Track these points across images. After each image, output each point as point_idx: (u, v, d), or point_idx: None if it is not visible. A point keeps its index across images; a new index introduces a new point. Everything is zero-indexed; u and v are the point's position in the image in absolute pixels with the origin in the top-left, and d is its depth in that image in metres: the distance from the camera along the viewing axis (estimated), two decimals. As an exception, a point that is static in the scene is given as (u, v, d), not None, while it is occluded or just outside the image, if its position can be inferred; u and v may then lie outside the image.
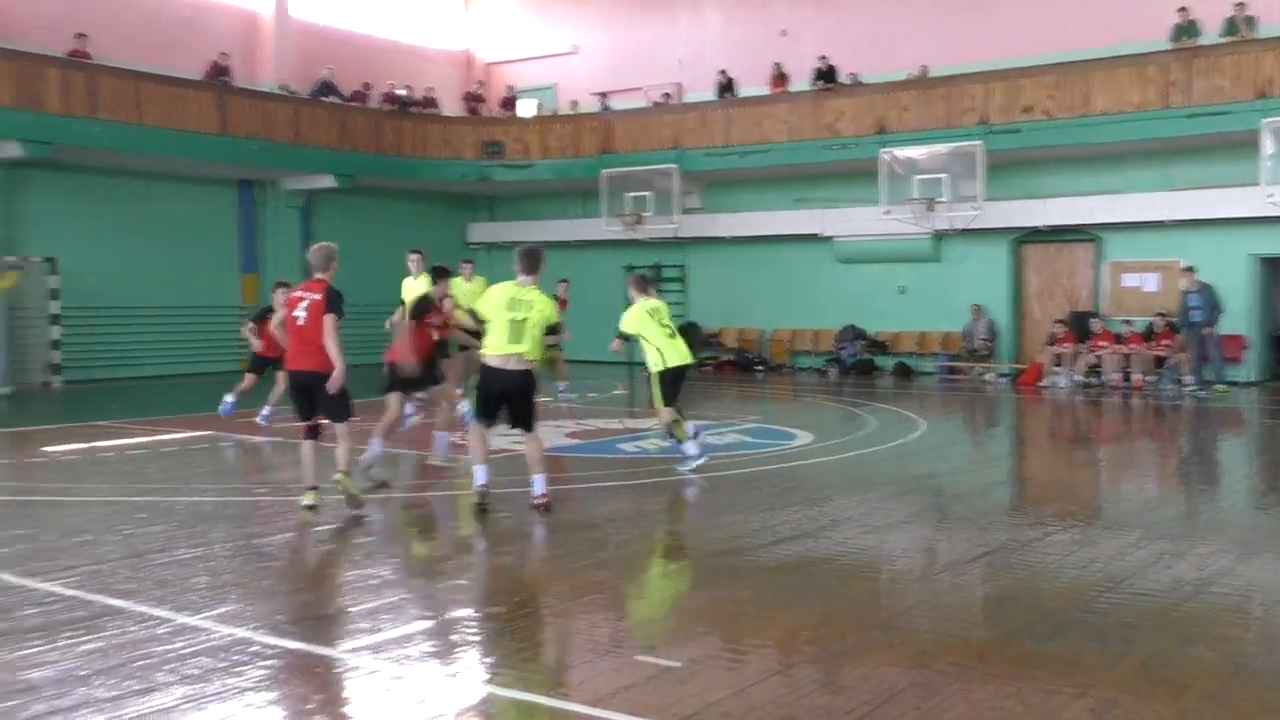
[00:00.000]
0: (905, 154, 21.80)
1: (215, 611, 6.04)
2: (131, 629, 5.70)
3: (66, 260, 20.65)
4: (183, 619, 5.86)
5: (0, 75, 19.07)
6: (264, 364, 14.25)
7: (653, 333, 10.78)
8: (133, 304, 21.94)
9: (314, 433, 9.00)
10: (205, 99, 22.09)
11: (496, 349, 8.62)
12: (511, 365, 8.60)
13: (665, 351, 10.67)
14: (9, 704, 4.66)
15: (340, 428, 8.85)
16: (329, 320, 8.78)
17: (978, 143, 20.94)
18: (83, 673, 5.03)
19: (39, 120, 19.44)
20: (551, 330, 8.94)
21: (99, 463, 11.84)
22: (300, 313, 8.99)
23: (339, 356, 8.72)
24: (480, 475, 8.72)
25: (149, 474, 10.96)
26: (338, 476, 8.76)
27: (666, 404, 10.69)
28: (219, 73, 22.94)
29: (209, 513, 9.04)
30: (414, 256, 15.56)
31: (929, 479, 10.99)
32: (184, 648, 5.39)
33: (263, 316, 13.99)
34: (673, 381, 10.74)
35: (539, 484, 8.66)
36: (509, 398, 8.71)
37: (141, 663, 5.18)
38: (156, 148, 21.12)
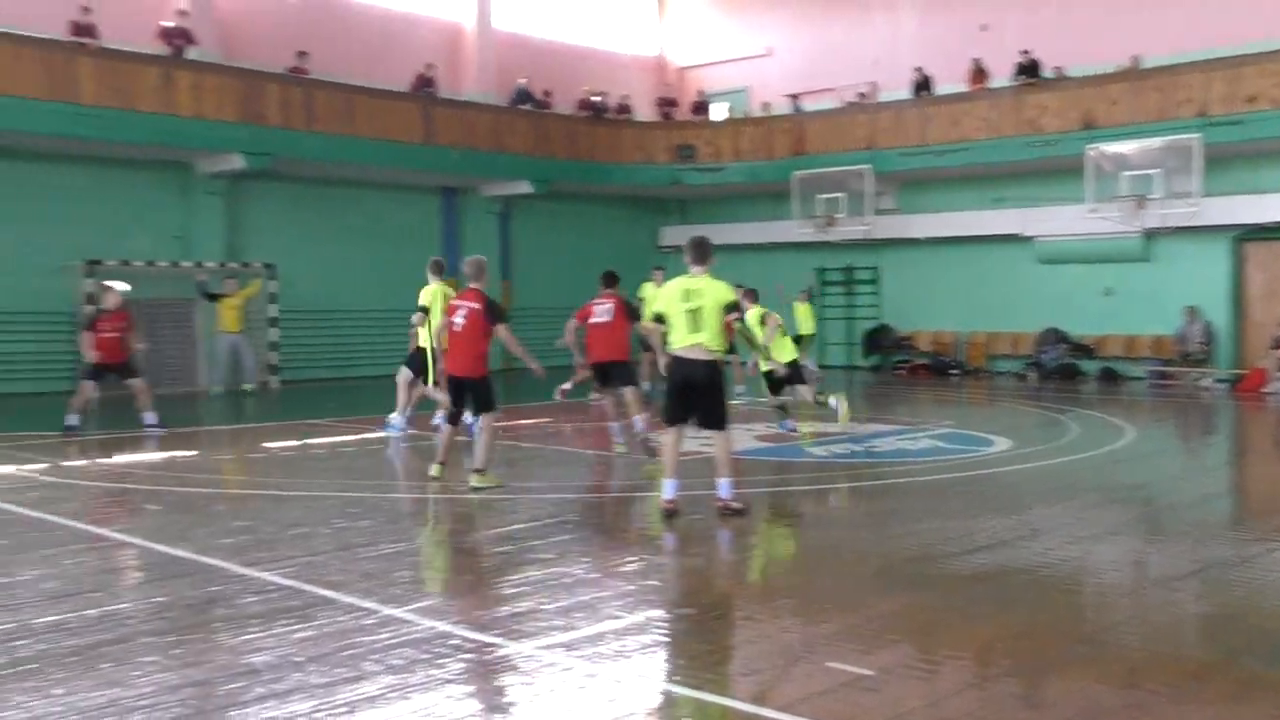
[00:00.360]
0: (1114, 149, 20.88)
1: (418, 605, 6.27)
2: (341, 619, 5.97)
3: (283, 266, 21.79)
4: (388, 611, 6.10)
5: (226, 92, 20.32)
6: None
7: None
8: (344, 307, 22.99)
9: (455, 419, 10.28)
10: (412, 109, 22.98)
11: (679, 342, 8.63)
12: (695, 355, 8.56)
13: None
14: (233, 685, 4.95)
15: (485, 419, 9.90)
16: (502, 330, 9.86)
17: (1195, 136, 19.84)
18: (297, 659, 5.29)
19: (259, 133, 20.60)
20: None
21: (313, 459, 12.46)
22: (459, 319, 9.89)
23: (526, 355, 9.99)
24: (669, 489, 8.63)
25: (358, 470, 11.46)
26: (473, 480, 9.79)
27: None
28: (424, 84, 23.80)
29: (413, 509, 9.40)
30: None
31: (1138, 488, 10.51)
32: (389, 638, 5.61)
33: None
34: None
35: (724, 487, 8.60)
36: (695, 389, 8.61)
37: (350, 651, 5.41)
38: (366, 157, 22.10)
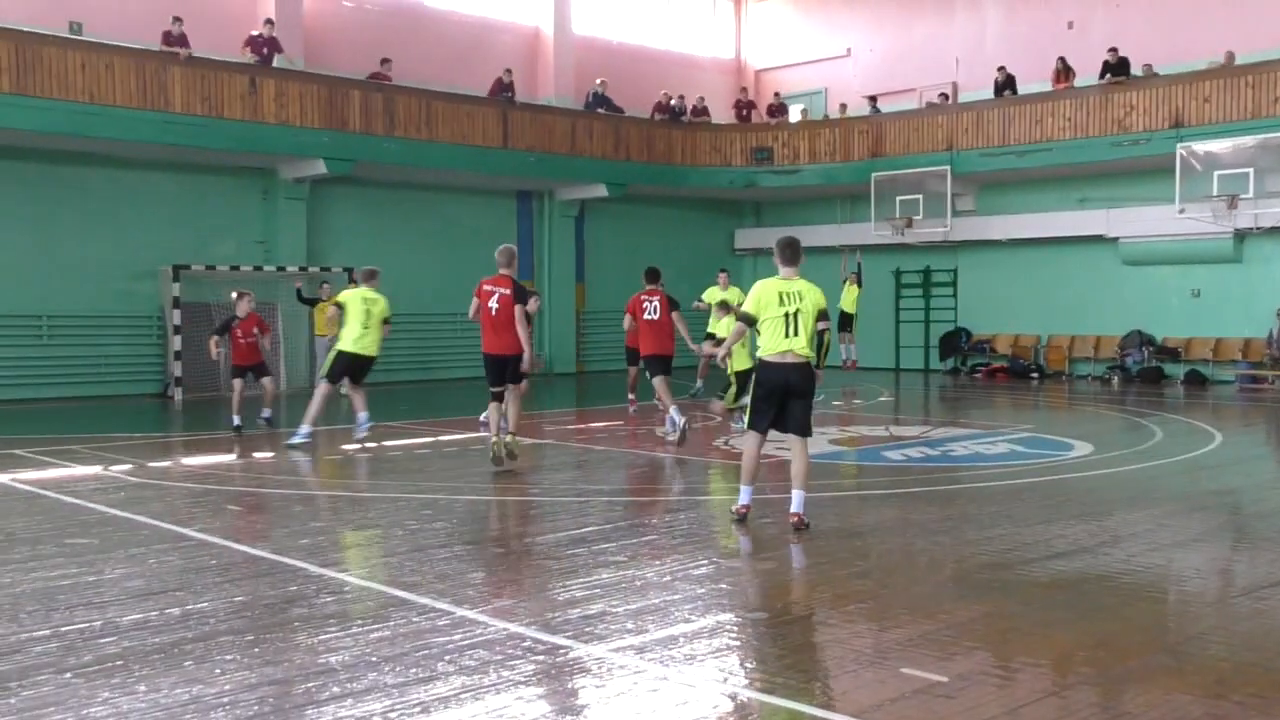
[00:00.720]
0: (1205, 148, 20.41)
1: (490, 606, 6.32)
2: (415, 619, 6.03)
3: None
4: (461, 612, 6.15)
5: (310, 99, 20.71)
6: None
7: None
8: (422, 311, 23.27)
9: (500, 398, 11.29)
10: (490, 114, 23.21)
11: (773, 347, 8.30)
12: (790, 360, 8.29)
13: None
14: (310, 684, 5.02)
15: (515, 389, 11.25)
16: (518, 310, 10.97)
17: (1289, 133, 19.37)
18: (372, 659, 5.36)
19: (341, 139, 20.97)
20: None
21: (388, 460, 12.62)
22: (494, 304, 11.11)
23: (527, 340, 11.03)
24: (744, 495, 8.54)
25: (432, 472, 11.58)
26: (508, 437, 11.14)
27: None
28: (502, 89, 24.03)
29: (485, 511, 9.48)
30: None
31: (1225, 495, 10.24)
32: (462, 639, 5.66)
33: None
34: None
35: (797, 500, 8.35)
36: (790, 394, 8.33)
37: (424, 652, 5.47)
38: (444, 162, 22.38)
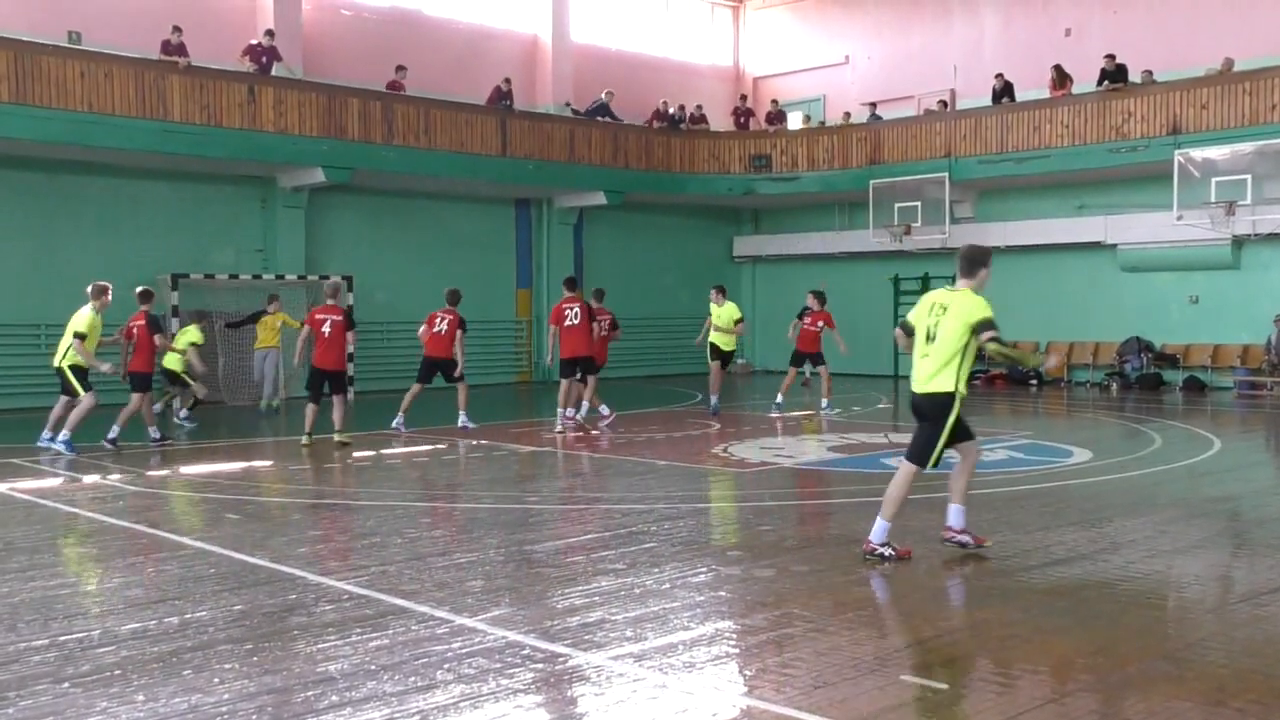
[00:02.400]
0: (1203, 154, 20.45)
1: (490, 614, 6.31)
2: (414, 628, 6.03)
3: (360, 278, 22.12)
4: (460, 620, 6.15)
5: (309, 107, 20.73)
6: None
7: None
8: (420, 318, 23.20)
9: (317, 401, 14.01)
10: (489, 122, 23.22)
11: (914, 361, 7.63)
12: (915, 380, 7.56)
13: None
14: (309, 693, 5.02)
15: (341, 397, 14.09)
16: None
17: (1287, 139, 19.40)
18: (371, 667, 5.36)
19: (340, 147, 20.98)
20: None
21: (386, 468, 12.62)
22: (326, 329, 13.77)
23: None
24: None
25: (431, 480, 11.58)
26: (336, 436, 13.69)
27: None
28: (501, 96, 24.05)
29: (484, 518, 9.47)
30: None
31: (1224, 501, 10.24)
32: (461, 648, 5.66)
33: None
34: None
35: (881, 531, 7.57)
36: (918, 417, 7.62)
37: (423, 660, 5.47)
38: (443, 170, 22.39)
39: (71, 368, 13.36)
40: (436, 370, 15.71)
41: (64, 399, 13.63)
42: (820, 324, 18.27)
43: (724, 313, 17.48)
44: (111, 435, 13.68)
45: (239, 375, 20.75)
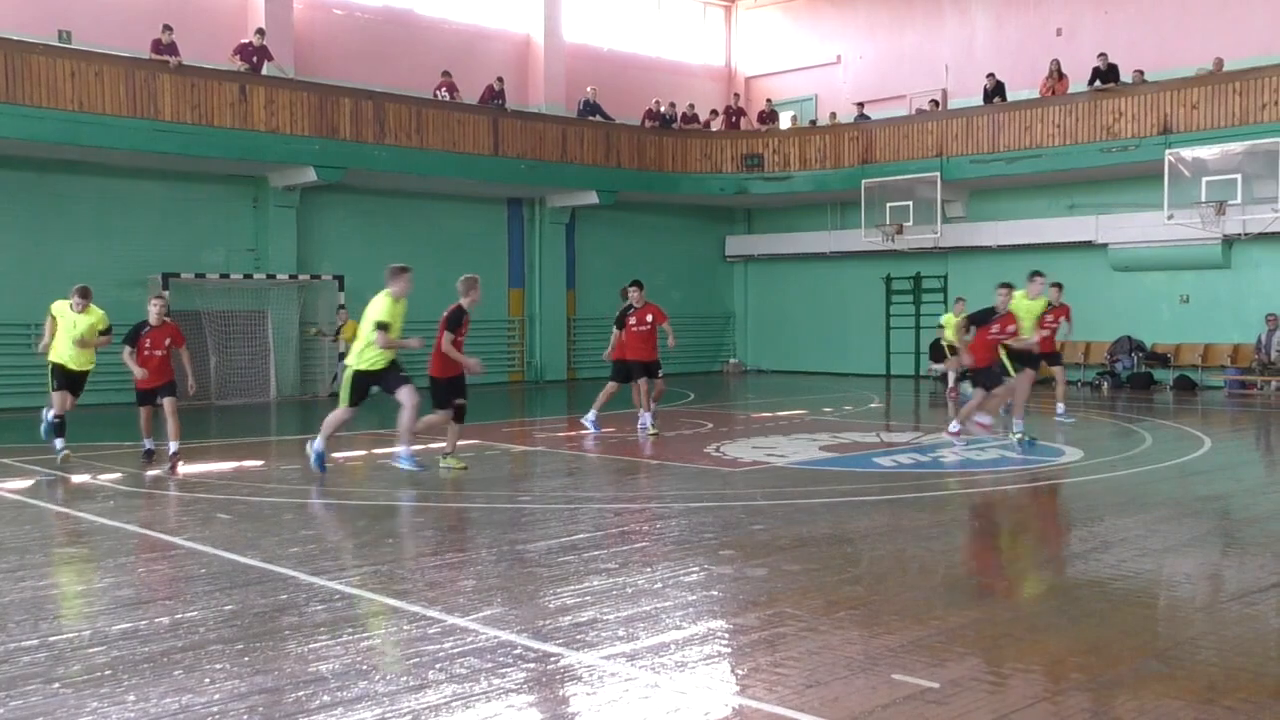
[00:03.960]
0: (1193, 154, 20.50)
1: (481, 614, 6.30)
2: (406, 627, 6.02)
3: (352, 278, 22.08)
4: (452, 620, 6.14)
5: (300, 106, 20.69)
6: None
7: None
8: (412, 318, 23.13)
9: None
10: (480, 122, 23.21)
11: None
12: None
13: None
14: (300, 693, 5.00)
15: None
16: (447, 337, 12.66)
17: (1277, 140, 19.44)
18: (363, 667, 5.34)
19: (331, 146, 20.95)
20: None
21: (378, 469, 12.59)
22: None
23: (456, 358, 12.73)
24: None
25: (422, 479, 11.56)
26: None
27: None
28: (493, 96, 24.04)
29: (477, 518, 9.46)
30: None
31: (1215, 500, 10.26)
32: (453, 647, 5.65)
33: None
34: None
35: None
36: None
37: (415, 660, 5.46)
38: (435, 169, 22.37)
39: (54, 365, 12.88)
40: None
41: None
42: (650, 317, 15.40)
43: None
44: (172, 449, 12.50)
45: (235, 375, 20.73)
